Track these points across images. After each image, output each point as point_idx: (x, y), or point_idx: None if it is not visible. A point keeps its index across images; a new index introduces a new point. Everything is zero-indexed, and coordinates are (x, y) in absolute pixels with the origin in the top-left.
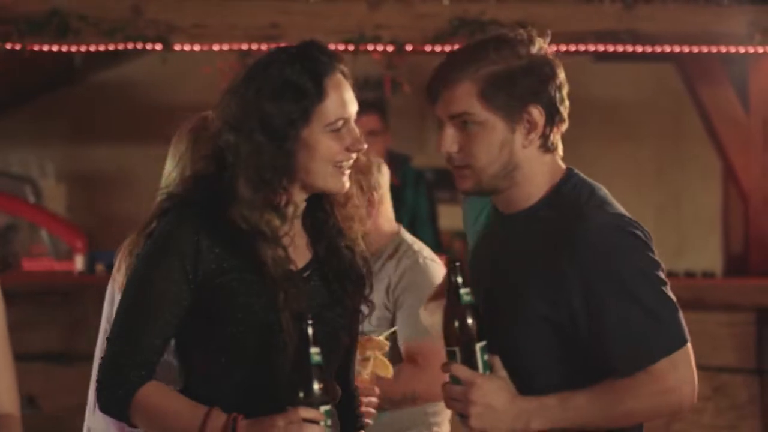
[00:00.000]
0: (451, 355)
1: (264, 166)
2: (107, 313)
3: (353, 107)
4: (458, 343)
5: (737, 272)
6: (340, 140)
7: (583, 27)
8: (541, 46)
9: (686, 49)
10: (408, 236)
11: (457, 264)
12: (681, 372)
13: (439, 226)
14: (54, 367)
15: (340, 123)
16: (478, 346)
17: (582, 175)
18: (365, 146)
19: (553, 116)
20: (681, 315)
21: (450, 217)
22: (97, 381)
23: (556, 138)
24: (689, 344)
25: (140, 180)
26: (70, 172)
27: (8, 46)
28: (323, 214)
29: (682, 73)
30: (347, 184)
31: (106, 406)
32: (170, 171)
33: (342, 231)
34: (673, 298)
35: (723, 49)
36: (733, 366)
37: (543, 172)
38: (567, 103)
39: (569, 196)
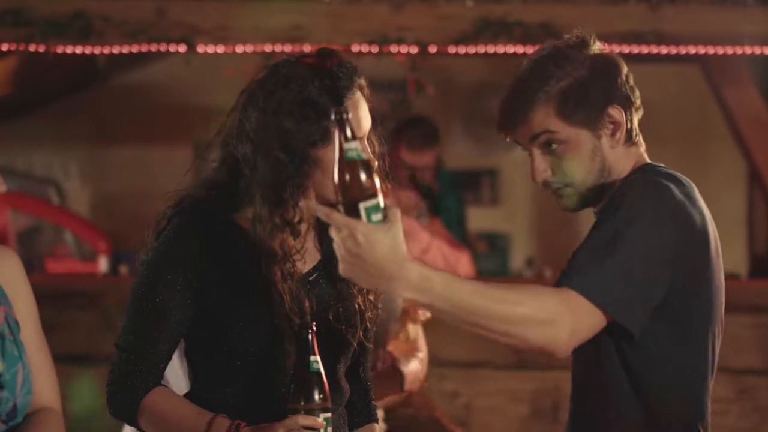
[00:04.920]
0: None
1: (282, 185)
2: None
3: (367, 125)
4: (342, 199)
5: (762, 273)
6: None
7: (608, 28)
8: (594, 45)
9: (711, 50)
10: None
11: (343, 116)
12: (575, 319)
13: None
14: (78, 369)
15: None
16: (363, 205)
17: (662, 166)
18: (375, 164)
19: (630, 108)
20: (631, 291)
21: (474, 219)
22: (107, 386)
23: (636, 127)
24: (602, 314)
25: (163, 181)
26: (94, 173)
27: (32, 47)
28: None
29: (707, 75)
30: None
31: (115, 411)
32: None
33: None
34: (647, 275)
35: (748, 50)
36: (758, 368)
37: (630, 165)
38: (637, 90)
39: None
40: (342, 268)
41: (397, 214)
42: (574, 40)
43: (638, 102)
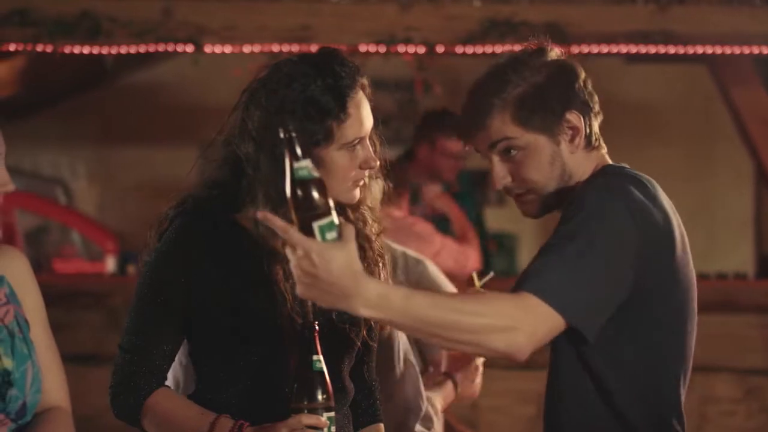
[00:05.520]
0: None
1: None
2: None
3: (369, 124)
4: (296, 218)
5: None
6: (354, 158)
7: (615, 28)
8: (551, 52)
9: (718, 51)
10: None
11: (291, 135)
12: (534, 322)
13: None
14: (85, 369)
15: (356, 141)
16: (317, 224)
17: (623, 167)
18: (377, 163)
19: (588, 114)
20: (589, 295)
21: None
22: (110, 388)
23: (596, 131)
24: (560, 317)
25: (170, 181)
26: (101, 173)
27: (39, 47)
28: None
29: (715, 75)
30: (358, 196)
31: (119, 412)
32: None
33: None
34: (607, 278)
35: (755, 51)
36: (765, 368)
37: (591, 168)
38: (595, 95)
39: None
40: (299, 289)
41: (351, 231)
42: (532, 47)
43: (597, 107)
